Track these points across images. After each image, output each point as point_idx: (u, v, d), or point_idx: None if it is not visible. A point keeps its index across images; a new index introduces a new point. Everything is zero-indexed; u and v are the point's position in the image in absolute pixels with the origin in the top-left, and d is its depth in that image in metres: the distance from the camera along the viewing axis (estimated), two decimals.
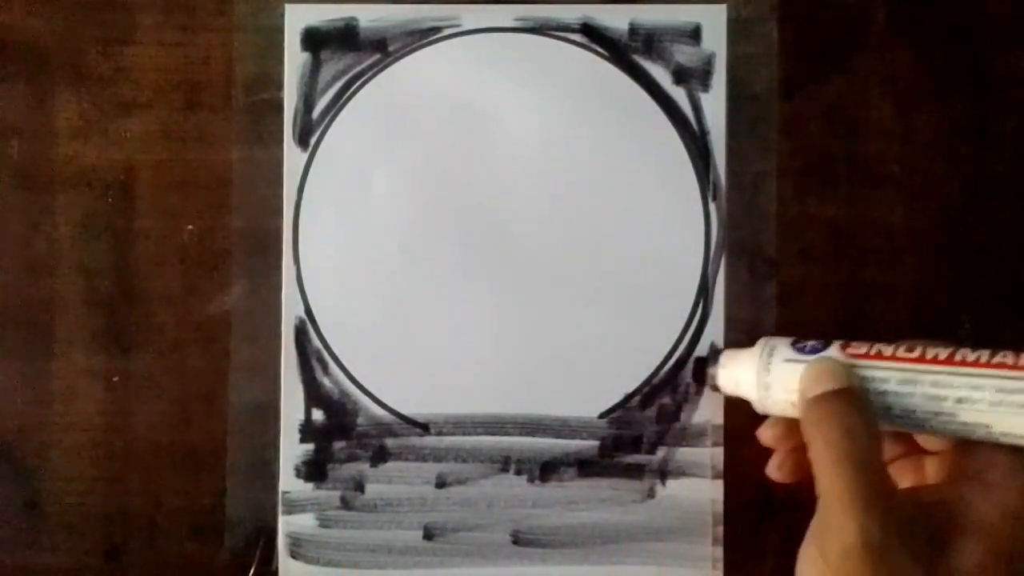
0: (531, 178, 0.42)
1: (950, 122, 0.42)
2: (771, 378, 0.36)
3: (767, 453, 0.41)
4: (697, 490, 0.41)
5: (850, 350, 0.34)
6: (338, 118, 0.42)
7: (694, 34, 0.42)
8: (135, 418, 0.42)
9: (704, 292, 0.42)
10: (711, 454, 0.41)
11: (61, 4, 0.42)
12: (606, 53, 0.42)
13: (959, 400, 0.32)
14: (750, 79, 0.42)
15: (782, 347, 0.36)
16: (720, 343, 0.41)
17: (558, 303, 0.42)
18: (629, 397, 0.41)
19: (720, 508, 0.41)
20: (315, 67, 0.42)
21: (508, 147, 0.42)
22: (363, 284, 0.42)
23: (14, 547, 0.42)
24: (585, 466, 0.41)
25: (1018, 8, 0.42)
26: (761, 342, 0.37)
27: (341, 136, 0.42)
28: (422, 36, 0.42)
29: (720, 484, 0.41)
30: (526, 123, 0.42)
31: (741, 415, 0.41)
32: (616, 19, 0.42)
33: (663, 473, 0.41)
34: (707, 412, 0.41)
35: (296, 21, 0.42)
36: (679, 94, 0.42)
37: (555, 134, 0.42)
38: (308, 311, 0.42)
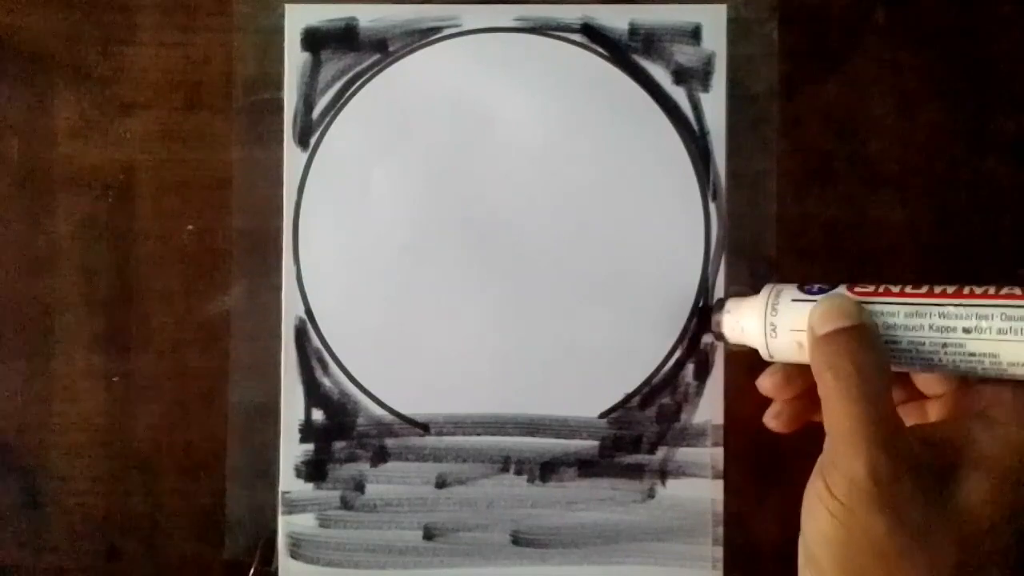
0: (531, 178, 0.42)
1: (950, 122, 0.42)
2: (778, 319, 0.36)
3: (767, 452, 0.41)
4: (697, 490, 0.41)
5: (858, 288, 0.34)
6: (338, 118, 0.42)
7: (694, 34, 0.42)
8: (135, 418, 0.42)
9: (704, 292, 0.42)
10: (711, 454, 0.41)
11: (61, 4, 0.42)
12: (606, 53, 0.42)
13: (967, 330, 0.32)
14: (750, 79, 0.42)
15: (788, 289, 0.36)
16: (720, 343, 0.41)
17: (558, 303, 0.42)
18: (629, 397, 0.41)
19: (720, 508, 0.41)
20: (315, 67, 0.42)
21: (508, 147, 0.42)
22: (363, 284, 0.42)
23: (14, 547, 0.42)
24: (585, 466, 0.41)
25: (1018, 8, 0.42)
26: (767, 287, 0.37)
27: (341, 136, 0.42)
28: (422, 36, 0.42)
29: (720, 484, 0.41)
30: (526, 123, 0.42)
31: (741, 415, 0.41)
32: (616, 19, 0.42)
33: (663, 473, 0.41)
34: (707, 412, 0.41)
35: (296, 21, 0.42)
36: (679, 94, 0.42)
37: (555, 134, 0.42)
38: (308, 311, 0.42)
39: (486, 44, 0.42)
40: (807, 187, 0.42)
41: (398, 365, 0.41)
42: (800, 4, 0.42)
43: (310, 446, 0.41)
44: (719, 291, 0.41)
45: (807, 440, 0.42)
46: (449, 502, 0.41)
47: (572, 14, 0.42)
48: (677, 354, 0.42)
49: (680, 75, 0.42)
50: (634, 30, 0.42)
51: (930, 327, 0.33)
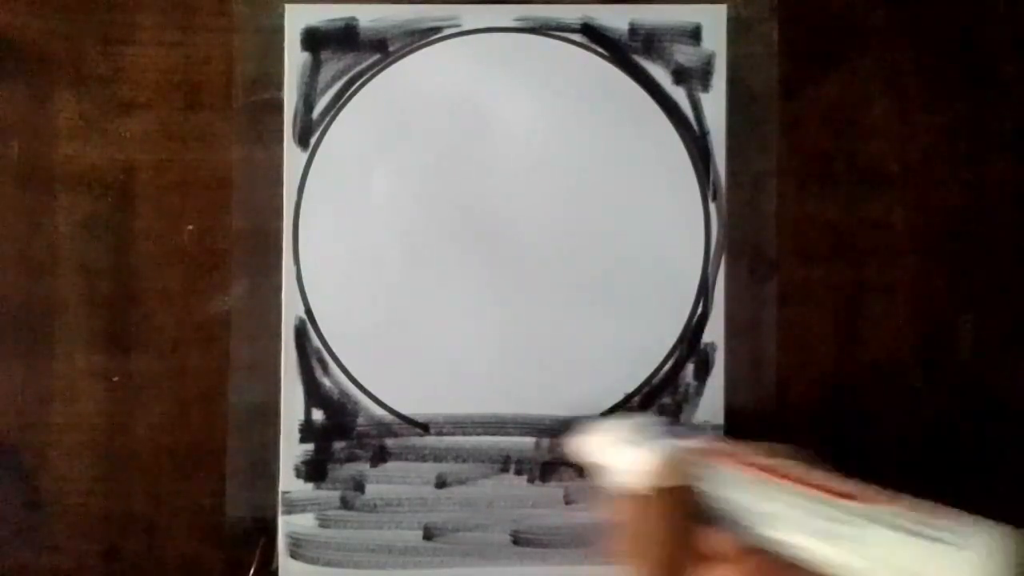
0: (531, 178, 0.42)
1: (950, 122, 0.42)
2: (620, 459, 0.35)
3: None
4: None
5: (702, 445, 0.34)
6: (338, 118, 0.42)
7: (694, 34, 0.42)
8: (135, 418, 0.42)
9: (704, 292, 0.42)
10: None
11: (61, 4, 0.42)
12: (606, 53, 0.42)
13: (779, 515, 0.31)
14: (750, 79, 0.42)
15: (640, 430, 0.36)
16: (720, 343, 0.41)
17: (558, 303, 0.42)
18: (629, 397, 0.41)
19: None
20: (315, 67, 0.42)
21: (508, 147, 0.42)
22: (363, 284, 0.42)
23: (14, 547, 0.42)
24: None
25: (1018, 8, 0.42)
26: (625, 422, 0.37)
27: (341, 136, 0.42)
28: (422, 36, 0.42)
29: None
30: (526, 123, 0.42)
31: (741, 415, 0.41)
32: (616, 19, 0.42)
33: None
34: (707, 412, 0.41)
35: (296, 21, 0.42)
36: (679, 94, 0.42)
37: (555, 134, 0.42)
38: (308, 311, 0.41)
39: (486, 44, 0.42)
40: (807, 187, 0.42)
41: (398, 365, 0.41)
42: (800, 4, 0.42)
43: (310, 446, 0.41)
44: (719, 291, 0.41)
45: (808, 440, 0.42)
46: (449, 502, 0.41)
47: (572, 14, 0.42)
48: (677, 354, 0.42)
49: (680, 75, 0.42)
50: (634, 30, 0.42)
51: (750, 502, 0.32)
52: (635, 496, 0.33)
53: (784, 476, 0.32)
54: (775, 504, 0.31)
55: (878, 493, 0.30)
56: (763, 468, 0.32)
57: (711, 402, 0.41)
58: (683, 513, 0.32)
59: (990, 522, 0.28)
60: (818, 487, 0.30)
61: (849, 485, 0.30)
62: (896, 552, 0.28)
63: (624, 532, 0.33)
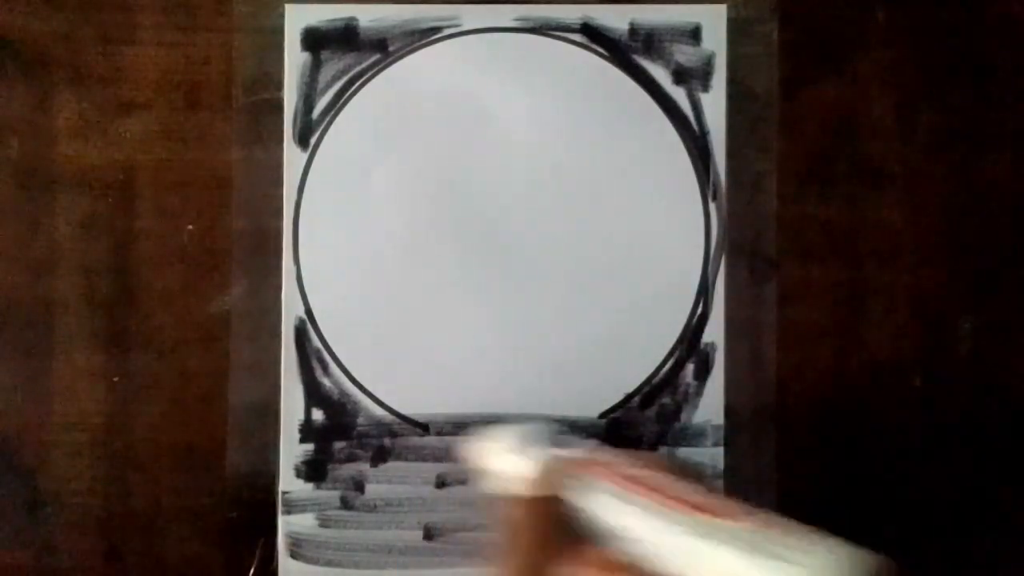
0: (530, 178, 0.42)
1: (950, 122, 0.42)
2: (513, 466, 0.35)
3: (768, 453, 0.41)
4: None
5: (582, 455, 0.34)
6: (338, 118, 0.42)
7: (694, 34, 0.42)
8: (135, 418, 0.42)
9: (704, 292, 0.42)
10: (711, 454, 0.41)
11: (61, 4, 0.42)
12: (606, 53, 0.42)
13: (643, 529, 0.31)
14: (750, 79, 0.42)
15: (530, 437, 0.36)
16: (720, 343, 0.41)
17: (558, 303, 0.42)
18: (629, 397, 0.41)
19: None
20: (315, 67, 0.42)
21: (508, 147, 0.42)
22: (363, 284, 0.42)
23: (14, 547, 0.42)
24: None
25: (1018, 8, 0.42)
26: (518, 428, 0.37)
27: (341, 136, 0.42)
28: (422, 36, 0.42)
29: (720, 484, 0.41)
30: (526, 123, 0.42)
31: (741, 415, 0.41)
32: (616, 19, 0.42)
33: None
34: (707, 412, 0.41)
35: (296, 21, 0.42)
36: (679, 94, 0.42)
37: (555, 134, 0.42)
38: (308, 311, 0.41)
39: (486, 44, 0.42)
40: (807, 187, 0.42)
41: (398, 365, 0.41)
42: (800, 4, 0.42)
43: (310, 446, 0.41)
44: (719, 291, 0.41)
45: (808, 440, 0.42)
46: (449, 502, 0.41)
47: (572, 14, 0.42)
48: (677, 354, 0.42)
49: (680, 75, 0.42)
50: (634, 30, 0.42)
51: (618, 517, 0.32)
52: (508, 503, 0.33)
53: (649, 489, 0.32)
54: (639, 518, 0.31)
55: (737, 508, 0.30)
56: (632, 480, 0.32)
57: (711, 402, 0.41)
58: (548, 523, 0.32)
59: (836, 542, 0.28)
60: (679, 501, 0.31)
61: (711, 499, 0.31)
62: (739, 570, 0.28)
63: (496, 537, 0.33)
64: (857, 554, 0.28)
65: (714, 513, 0.30)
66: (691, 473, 0.33)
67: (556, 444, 0.35)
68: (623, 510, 0.32)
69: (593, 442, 0.36)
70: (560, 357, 0.41)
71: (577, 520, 0.33)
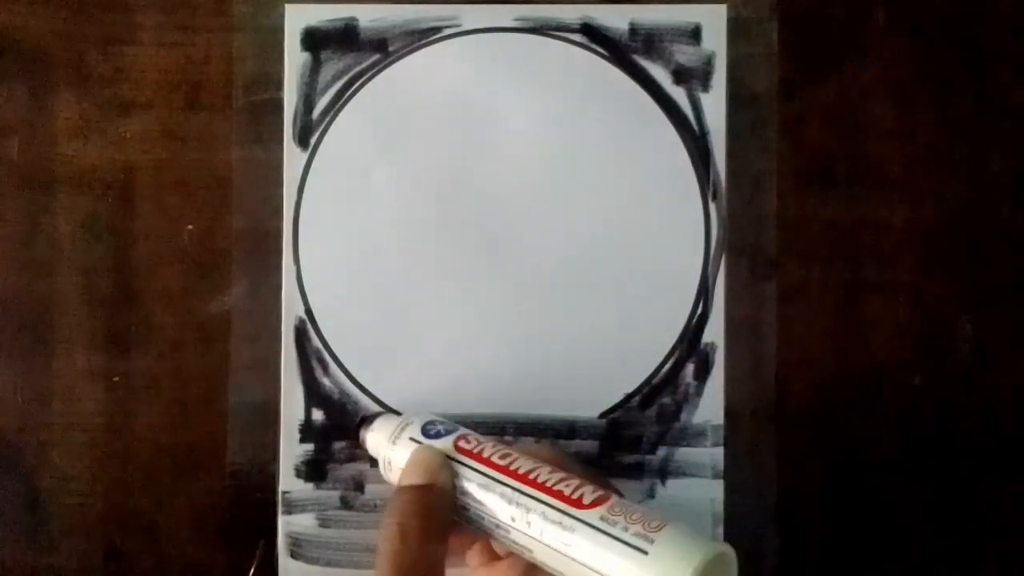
0: (531, 178, 0.42)
1: (950, 122, 0.42)
2: (393, 454, 0.36)
3: (768, 453, 0.41)
4: (697, 490, 0.41)
5: (461, 442, 0.35)
6: (338, 118, 0.42)
7: (694, 34, 0.42)
8: (135, 418, 0.42)
9: (704, 292, 0.42)
10: (711, 454, 0.41)
11: (61, 4, 0.42)
12: (606, 53, 0.42)
13: (512, 517, 0.31)
14: (750, 79, 0.42)
15: (415, 425, 0.36)
16: (720, 343, 0.41)
17: (558, 303, 0.42)
18: (629, 397, 0.41)
19: (720, 508, 0.41)
20: (315, 67, 0.42)
21: (508, 147, 0.42)
22: (363, 284, 0.42)
23: (14, 547, 0.42)
24: (585, 466, 0.41)
25: (1018, 8, 0.42)
26: (404, 416, 0.37)
27: (341, 136, 0.42)
28: (422, 36, 0.42)
29: (720, 484, 0.41)
30: (526, 123, 0.42)
31: (741, 415, 0.41)
32: (616, 19, 0.42)
33: (663, 473, 0.41)
34: (707, 412, 0.41)
35: (296, 21, 0.42)
36: (679, 94, 0.42)
37: (555, 134, 0.42)
38: (308, 311, 0.41)
39: (486, 44, 0.42)
40: (807, 187, 0.42)
41: (398, 365, 0.41)
42: (800, 4, 0.42)
43: (310, 446, 0.41)
44: (719, 291, 0.41)
45: (808, 440, 0.42)
46: None
47: (572, 14, 0.42)
48: (677, 354, 0.42)
49: (680, 75, 0.42)
50: (634, 30, 0.42)
51: (493, 504, 0.32)
52: (394, 491, 0.33)
53: (514, 475, 0.32)
54: (513, 506, 0.31)
55: (597, 496, 0.30)
56: (499, 468, 0.33)
57: (711, 402, 0.41)
58: (430, 512, 0.32)
59: (683, 529, 0.29)
60: (550, 491, 0.31)
61: (583, 488, 0.31)
62: (597, 557, 0.29)
63: (382, 526, 0.32)
64: (701, 541, 0.28)
65: (574, 501, 0.30)
66: (567, 463, 0.33)
67: (432, 432, 0.36)
68: (488, 496, 0.32)
69: (467, 429, 0.36)
70: (560, 357, 0.41)
71: (463, 510, 0.33)
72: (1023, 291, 0.42)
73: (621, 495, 0.32)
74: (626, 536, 0.29)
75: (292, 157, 0.42)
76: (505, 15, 0.42)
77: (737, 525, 0.41)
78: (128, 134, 0.42)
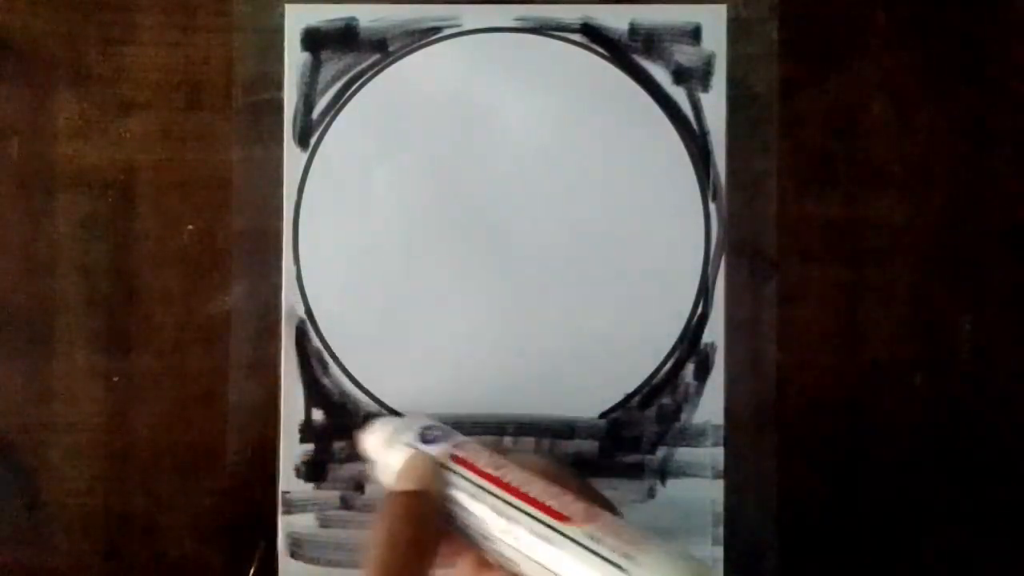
0: (531, 178, 0.42)
1: (950, 122, 0.42)
2: (388, 458, 0.36)
3: (768, 453, 0.41)
4: (697, 490, 0.41)
5: (456, 450, 0.34)
6: (338, 118, 0.42)
7: (694, 34, 0.42)
8: (135, 418, 0.42)
9: (704, 292, 0.42)
10: (711, 454, 0.41)
11: (61, 4, 0.42)
12: (606, 53, 0.42)
13: (500, 530, 0.31)
14: (750, 79, 0.42)
15: (412, 430, 0.36)
16: (720, 343, 0.41)
17: (558, 303, 0.42)
18: (629, 397, 0.41)
19: (720, 508, 0.41)
20: (315, 67, 0.42)
21: (508, 147, 0.42)
22: (363, 284, 0.42)
23: (14, 547, 0.42)
24: (585, 466, 0.41)
25: (1018, 8, 0.42)
26: (402, 420, 0.37)
27: (341, 136, 0.42)
28: (422, 36, 0.42)
29: (720, 484, 0.41)
30: (526, 123, 0.42)
31: (741, 415, 0.41)
32: (616, 19, 0.42)
33: (663, 473, 0.41)
34: (707, 412, 0.41)
35: (296, 21, 0.42)
36: (679, 94, 0.42)
37: (555, 134, 0.42)
38: (308, 311, 0.42)
39: (486, 44, 0.42)
40: (807, 187, 0.42)
41: (398, 365, 0.41)
42: (800, 4, 0.42)
43: (310, 446, 0.41)
44: (719, 291, 0.41)
45: (808, 440, 0.42)
46: None
47: (572, 14, 0.42)
48: (677, 354, 0.42)
49: (680, 75, 0.42)
50: (634, 30, 0.42)
51: (482, 515, 0.32)
52: (384, 496, 0.33)
53: (504, 486, 0.32)
54: (502, 518, 0.31)
55: (586, 512, 0.30)
56: (490, 477, 0.32)
57: (711, 402, 0.41)
58: (418, 519, 0.32)
59: (666, 549, 0.29)
60: (540, 506, 0.31)
61: (574, 504, 0.31)
62: (579, 574, 0.29)
63: (371, 531, 0.32)
64: (682, 563, 0.28)
65: (560, 516, 0.30)
66: (563, 476, 0.33)
67: (429, 438, 0.35)
68: (478, 507, 0.32)
69: (464, 436, 0.36)
70: (560, 357, 0.41)
71: (453, 518, 0.33)
72: (1023, 291, 0.42)
73: (617, 512, 0.32)
74: (609, 554, 0.28)
75: (292, 157, 0.42)
76: (505, 15, 0.42)
77: (737, 525, 0.41)
78: (128, 134, 0.42)
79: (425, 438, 0.36)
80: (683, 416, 0.41)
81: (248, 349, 0.41)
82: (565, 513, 0.30)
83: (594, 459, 0.41)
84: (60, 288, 0.42)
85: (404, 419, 0.38)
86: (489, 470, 0.33)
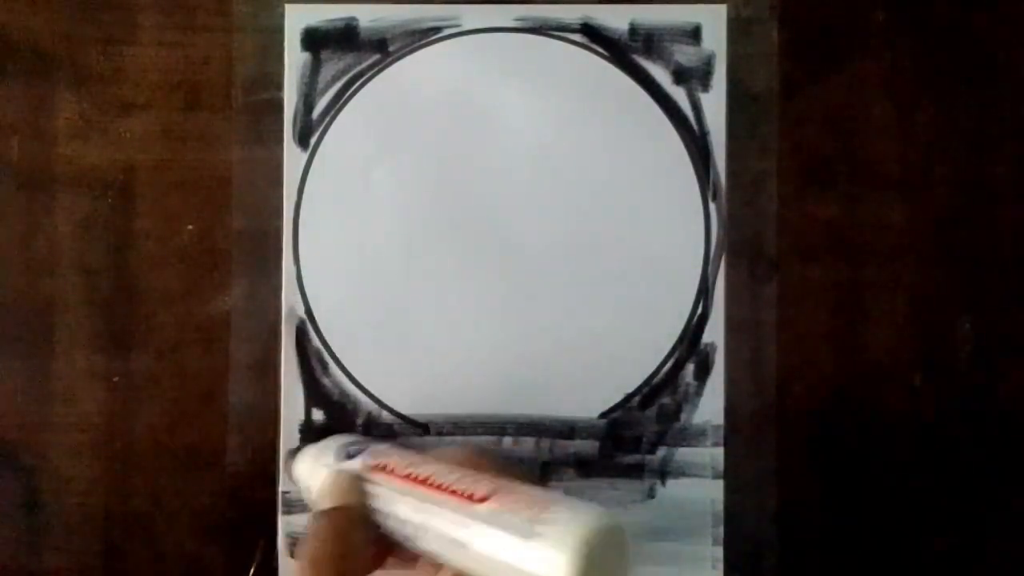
0: (531, 178, 0.42)
1: (950, 122, 0.42)
2: (312, 483, 0.36)
3: (768, 453, 0.41)
4: (697, 490, 0.41)
5: (371, 459, 0.35)
6: (338, 118, 0.42)
7: (694, 34, 0.42)
8: (135, 418, 0.42)
9: (704, 292, 0.42)
10: (711, 454, 0.41)
11: (61, 4, 0.42)
12: (606, 53, 0.42)
13: (417, 525, 0.31)
14: (750, 79, 0.42)
15: (329, 451, 0.36)
16: (720, 343, 0.41)
17: (558, 303, 0.42)
18: (629, 397, 0.41)
19: (720, 508, 0.41)
20: (315, 67, 0.42)
21: (508, 147, 0.42)
22: (363, 284, 0.42)
23: (14, 547, 0.42)
24: (585, 466, 0.41)
25: (1018, 7, 0.42)
26: (321, 443, 0.38)
27: (341, 136, 0.42)
28: (422, 36, 0.42)
29: (720, 484, 0.41)
30: (526, 123, 0.42)
31: (741, 415, 0.41)
32: (616, 19, 0.42)
33: (663, 473, 0.41)
34: (707, 412, 0.41)
35: (296, 21, 0.42)
36: (679, 94, 0.42)
37: (555, 134, 0.42)
38: (308, 311, 0.41)
39: (486, 44, 0.42)
40: (807, 187, 0.42)
41: (398, 365, 0.41)
42: (800, 4, 0.42)
43: None
44: (719, 291, 0.41)
45: (808, 440, 0.42)
46: None
47: (572, 14, 0.42)
48: (677, 354, 0.42)
49: (680, 75, 0.42)
50: (634, 30, 0.42)
51: (404, 514, 0.32)
52: (312, 515, 0.34)
53: (420, 482, 0.32)
54: (420, 514, 0.31)
55: (497, 488, 0.30)
56: (409, 478, 0.33)
57: (711, 402, 0.41)
58: (346, 534, 0.32)
59: (573, 503, 0.29)
60: (446, 492, 0.31)
61: (476, 484, 0.31)
62: (491, 549, 0.29)
63: (302, 549, 0.33)
64: (586, 515, 0.28)
65: (470, 497, 0.30)
66: (482, 461, 0.33)
67: (351, 453, 0.36)
68: (395, 508, 0.32)
69: (382, 444, 0.36)
70: (560, 357, 0.41)
71: (378, 525, 0.33)
72: (1023, 291, 0.42)
73: (535, 482, 0.32)
74: (515, 523, 0.29)
75: (292, 157, 0.42)
76: (505, 15, 0.42)
77: (737, 525, 0.41)
78: (128, 134, 0.42)
79: (347, 454, 0.36)
80: (683, 416, 0.41)
81: (248, 349, 0.41)
82: (476, 495, 0.30)
83: (594, 459, 0.41)
84: (60, 288, 0.42)
85: (324, 442, 0.38)
86: (404, 471, 0.33)
